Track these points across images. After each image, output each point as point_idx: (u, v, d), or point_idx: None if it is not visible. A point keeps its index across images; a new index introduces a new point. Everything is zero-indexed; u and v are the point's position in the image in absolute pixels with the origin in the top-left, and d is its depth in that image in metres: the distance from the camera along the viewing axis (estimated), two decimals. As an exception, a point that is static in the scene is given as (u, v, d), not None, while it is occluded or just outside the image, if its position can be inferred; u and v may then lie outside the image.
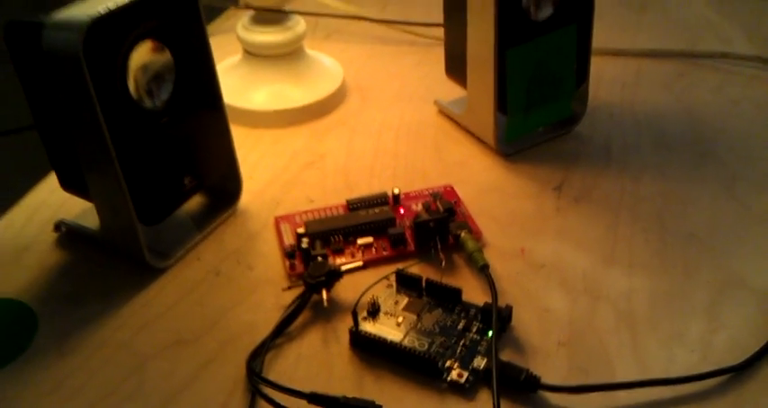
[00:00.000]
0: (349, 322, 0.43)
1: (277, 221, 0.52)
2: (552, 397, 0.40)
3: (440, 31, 0.61)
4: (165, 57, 0.45)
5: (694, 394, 0.40)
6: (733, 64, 0.70)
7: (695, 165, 0.57)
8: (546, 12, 0.54)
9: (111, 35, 0.41)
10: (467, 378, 0.41)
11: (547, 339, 0.43)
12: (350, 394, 0.39)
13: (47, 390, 0.41)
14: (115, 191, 0.44)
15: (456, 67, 0.60)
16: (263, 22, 0.63)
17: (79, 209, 0.52)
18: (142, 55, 0.43)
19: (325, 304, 0.45)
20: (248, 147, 0.60)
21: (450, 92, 0.63)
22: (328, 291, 0.45)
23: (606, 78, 0.68)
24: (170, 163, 0.48)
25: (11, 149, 0.63)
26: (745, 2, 0.81)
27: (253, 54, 0.64)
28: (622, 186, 0.55)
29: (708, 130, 0.61)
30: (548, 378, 0.40)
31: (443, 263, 0.48)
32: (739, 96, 0.66)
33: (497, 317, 0.43)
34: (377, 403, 0.39)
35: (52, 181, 0.55)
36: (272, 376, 0.41)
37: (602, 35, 0.66)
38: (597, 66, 0.65)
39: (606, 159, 0.58)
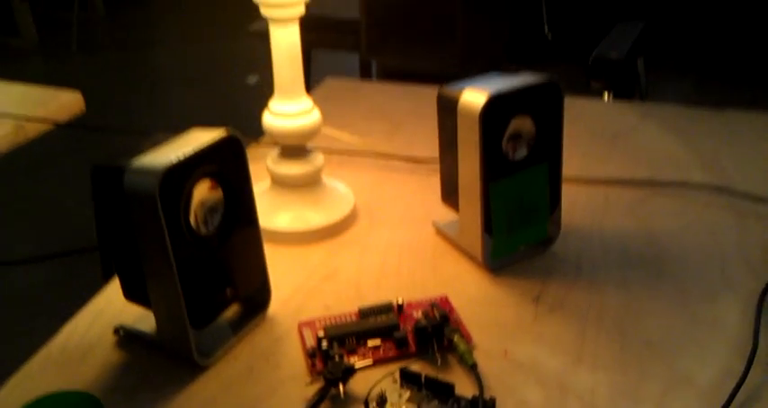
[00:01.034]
0: (361, 410, 0.53)
1: (300, 326, 0.62)
2: (527, 472, 0.49)
3: (437, 163, 0.73)
4: (218, 193, 0.56)
5: (643, 471, 0.49)
6: (690, 191, 0.82)
7: (653, 281, 0.68)
8: (521, 153, 0.66)
9: (179, 178, 0.53)
10: (458, 457, 0.50)
11: (524, 425, 0.53)
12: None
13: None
14: (173, 302, 0.54)
15: (450, 195, 0.71)
16: (289, 156, 0.74)
17: (134, 316, 0.62)
18: (201, 193, 0.55)
19: (342, 396, 0.55)
20: (274, 263, 0.70)
21: (446, 214, 0.74)
22: (344, 385, 0.55)
23: (579, 204, 0.79)
24: (216, 277, 0.58)
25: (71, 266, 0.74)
26: (705, 135, 0.94)
27: (279, 183, 0.75)
28: (590, 298, 0.66)
29: (665, 251, 0.72)
30: (523, 457, 0.49)
31: (439, 362, 0.58)
32: (694, 221, 0.77)
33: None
34: (384, 475, 0.48)
35: (108, 292, 0.66)
36: (298, 455, 0.50)
37: (576, 164, 0.78)
38: (571, 192, 0.77)
39: (577, 274, 0.69)
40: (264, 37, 0.71)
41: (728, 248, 0.72)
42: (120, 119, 2.63)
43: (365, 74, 2.46)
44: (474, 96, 0.63)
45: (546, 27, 2.33)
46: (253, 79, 3.10)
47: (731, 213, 0.78)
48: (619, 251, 0.72)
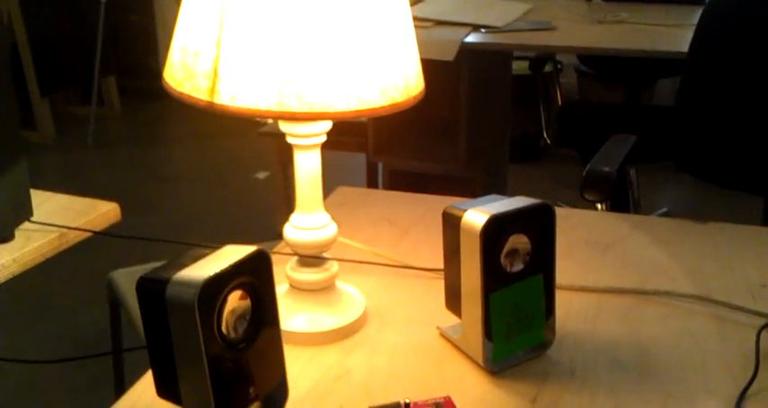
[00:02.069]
0: None
1: (315, 423, 0.68)
2: None
3: (441, 270, 0.80)
4: (247, 302, 0.63)
5: None
6: (676, 300, 0.88)
7: (639, 385, 0.74)
8: (518, 266, 0.74)
9: (215, 289, 0.60)
10: None
11: None
12: None
13: None
14: (203, 398, 0.61)
15: (453, 302, 0.78)
16: (307, 264, 0.82)
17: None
18: (233, 302, 0.62)
19: None
20: (291, 362, 0.76)
21: (449, 318, 0.80)
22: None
23: (572, 311, 0.86)
24: (241, 376, 0.64)
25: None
26: (691, 246, 1.01)
27: (297, 288, 0.82)
28: (581, 400, 0.71)
29: (651, 355, 0.78)
30: None
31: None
32: (679, 328, 0.83)
33: None
34: None
35: (138, 390, 0.72)
36: None
37: (571, 272, 0.85)
38: (566, 299, 0.84)
39: (570, 377, 0.75)
40: (274, 136, 0.79)
41: (709, 354, 0.78)
42: (131, 211, 2.72)
43: (371, 172, 2.56)
44: (475, 216, 0.71)
45: (545, 132, 2.44)
46: (262, 175, 3.21)
47: (712, 320, 0.84)
48: (609, 355, 0.78)
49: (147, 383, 0.73)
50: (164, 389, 0.65)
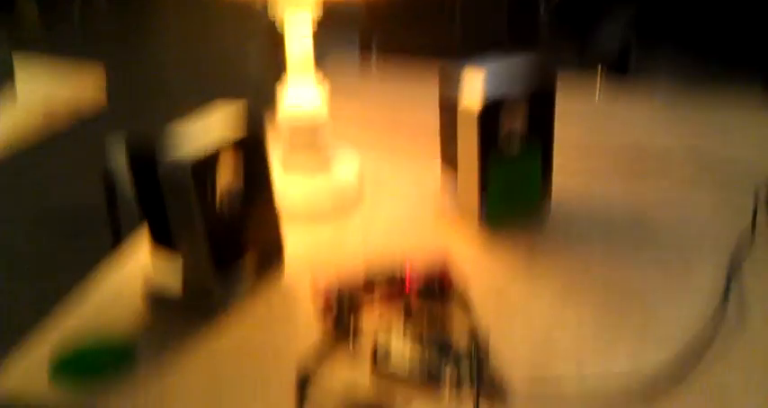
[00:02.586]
0: (371, 347, 0.60)
1: (313, 283, 0.69)
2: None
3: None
4: (240, 179, 0.64)
5: None
6: (674, 160, 0.89)
7: (634, 249, 0.74)
8: (518, 126, 0.73)
9: (208, 166, 0.60)
10: (457, 390, 0.57)
11: (513, 375, 0.60)
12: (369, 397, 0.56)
13: (149, 402, 0.57)
14: (199, 259, 0.61)
15: (448, 161, 0.77)
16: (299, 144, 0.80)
17: (159, 270, 0.68)
18: (226, 177, 0.62)
19: (351, 348, 0.61)
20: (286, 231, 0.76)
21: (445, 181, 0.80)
22: (354, 337, 0.62)
23: (570, 177, 0.85)
24: (237, 244, 0.65)
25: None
26: (690, 109, 1.00)
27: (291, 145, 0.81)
28: (575, 264, 0.72)
29: (648, 221, 0.78)
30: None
31: (441, 316, 0.65)
32: (678, 193, 0.83)
33: (477, 356, 0.59)
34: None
35: (134, 248, 0.72)
36: (313, 392, 0.57)
37: (570, 135, 0.84)
38: (564, 162, 0.83)
39: (567, 235, 0.76)
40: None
41: (707, 220, 0.79)
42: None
43: (365, 49, 2.51)
44: (472, 98, 0.70)
45: (542, 8, 2.38)
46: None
47: (711, 185, 0.84)
48: (605, 221, 0.78)
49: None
50: (159, 240, 0.65)
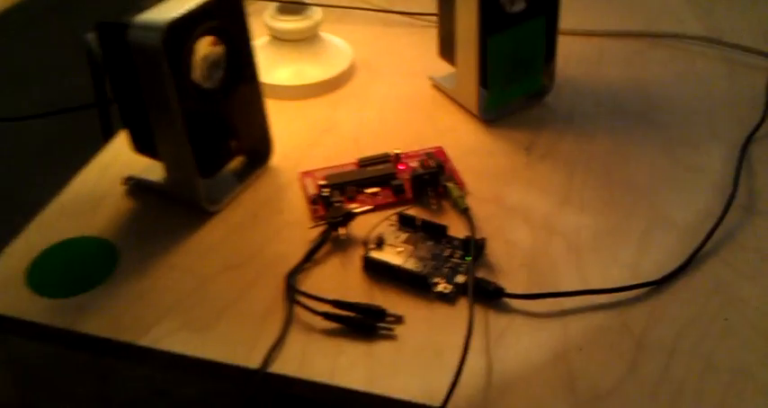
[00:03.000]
0: (362, 251, 0.57)
1: (302, 176, 0.65)
2: (513, 303, 0.53)
3: (434, 17, 0.74)
4: (220, 49, 0.58)
5: (623, 301, 0.54)
6: (684, 42, 0.83)
7: (642, 129, 0.70)
8: (519, 6, 0.67)
9: (182, 33, 0.54)
10: (451, 290, 0.54)
11: (511, 262, 0.57)
12: (362, 302, 0.53)
13: (132, 300, 0.55)
14: (181, 151, 0.57)
15: (447, 50, 0.72)
16: (287, 11, 0.75)
17: (141, 168, 0.65)
18: (204, 48, 0.56)
19: (342, 237, 0.58)
20: (275, 117, 0.72)
21: (442, 68, 0.75)
22: (345, 228, 0.59)
23: (573, 56, 0.80)
24: (220, 129, 0.61)
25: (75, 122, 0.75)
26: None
27: (278, 38, 0.76)
28: (580, 146, 0.68)
29: (655, 101, 0.74)
30: (511, 289, 0.53)
31: (434, 207, 0.61)
32: (686, 71, 0.78)
33: (474, 246, 0.56)
34: (382, 306, 0.52)
35: (115, 146, 0.69)
36: (303, 289, 0.55)
37: (574, 17, 0.78)
38: (567, 45, 0.78)
39: (568, 124, 0.71)
40: None
41: (716, 97, 0.74)
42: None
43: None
44: None
45: None
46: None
47: (721, 63, 0.79)
48: (610, 101, 0.74)
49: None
50: (139, 144, 0.61)
